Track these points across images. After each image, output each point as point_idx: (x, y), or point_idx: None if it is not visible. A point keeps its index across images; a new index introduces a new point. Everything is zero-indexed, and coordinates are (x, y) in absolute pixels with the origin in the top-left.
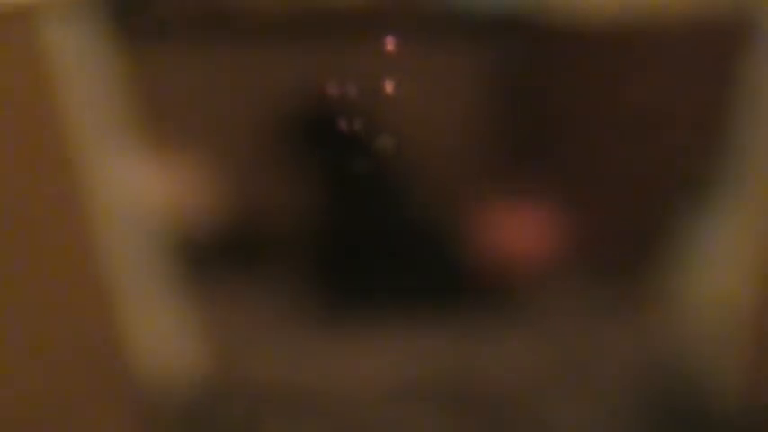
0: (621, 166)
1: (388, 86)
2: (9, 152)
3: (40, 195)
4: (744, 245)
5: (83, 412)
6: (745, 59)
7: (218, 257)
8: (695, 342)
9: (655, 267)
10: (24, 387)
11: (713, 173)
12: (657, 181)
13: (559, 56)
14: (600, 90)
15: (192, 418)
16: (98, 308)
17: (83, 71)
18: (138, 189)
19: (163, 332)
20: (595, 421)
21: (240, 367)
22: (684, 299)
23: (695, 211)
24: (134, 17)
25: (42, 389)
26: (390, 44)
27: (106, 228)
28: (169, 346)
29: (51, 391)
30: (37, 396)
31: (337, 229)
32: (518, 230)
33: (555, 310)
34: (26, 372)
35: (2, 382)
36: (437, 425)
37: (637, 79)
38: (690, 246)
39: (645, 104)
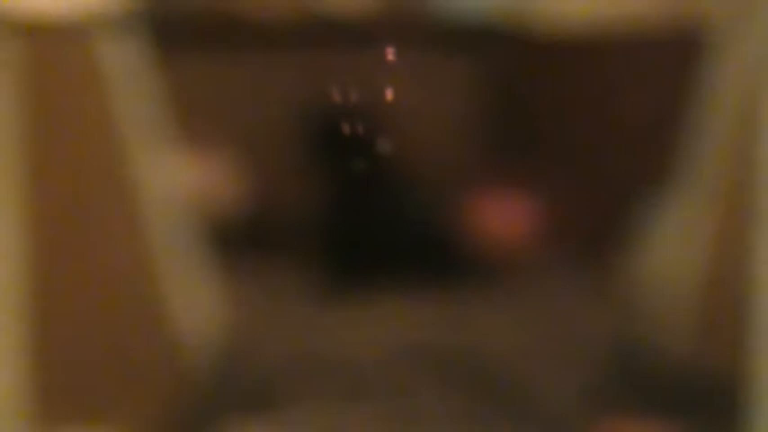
0: (591, 164)
1: (386, 91)
2: (74, 151)
3: (99, 188)
4: (694, 231)
5: (136, 360)
6: (696, 71)
7: (241, 240)
8: (653, 313)
9: (619, 250)
10: (95, 342)
11: (670, 169)
12: (622, 176)
13: (536, 64)
14: (572, 96)
15: (217, 369)
16: (147, 278)
17: (129, 80)
18: (176, 182)
19: (196, 300)
20: (567, 379)
21: (258, 331)
22: (644, 276)
23: (654, 201)
24: (167, 31)
25: (106, 342)
26: (389, 53)
27: (153, 214)
28: (201, 311)
29: (113, 343)
30: (103, 347)
31: (342, 215)
32: (501, 218)
33: (532, 285)
34: (95, 329)
35: (79, 337)
36: (429, 384)
37: (604, 86)
38: (649, 231)
39: (611, 109)
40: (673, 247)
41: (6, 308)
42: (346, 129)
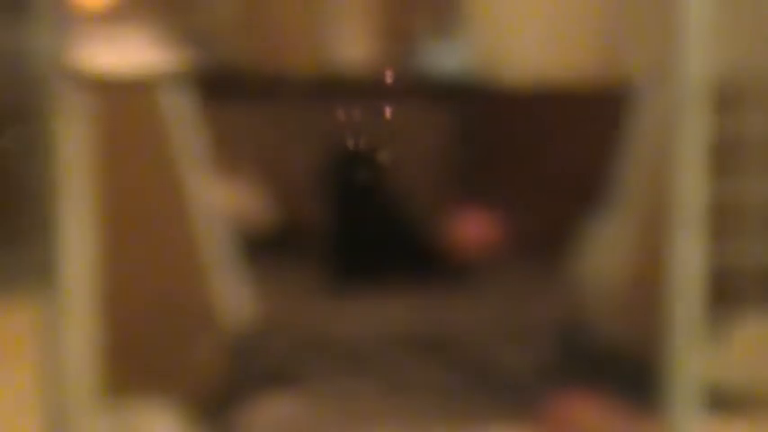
0: (542, 186)
1: (382, 132)
2: (140, 178)
3: (160, 207)
4: (622, 239)
5: (183, 339)
6: (623, 117)
7: (267, 246)
8: (590, 304)
9: (565, 253)
10: (149, 323)
11: (604, 193)
12: (567, 196)
13: (498, 112)
14: (525, 136)
15: (247, 347)
16: (194, 273)
17: (182, 124)
18: (217, 202)
19: (232, 293)
20: (524, 358)
21: (280, 316)
22: (584, 274)
23: (593, 217)
24: (210, 84)
25: (162, 324)
26: (384, 104)
27: (200, 226)
28: (235, 302)
29: (163, 323)
30: (156, 327)
31: (346, 228)
32: (471, 229)
33: (495, 281)
34: (154, 315)
35: (142, 321)
36: (415, 360)
37: (550, 129)
38: (588, 240)
39: (557, 147)
40: (606, 251)
41: (83, 301)
42: (350, 161)
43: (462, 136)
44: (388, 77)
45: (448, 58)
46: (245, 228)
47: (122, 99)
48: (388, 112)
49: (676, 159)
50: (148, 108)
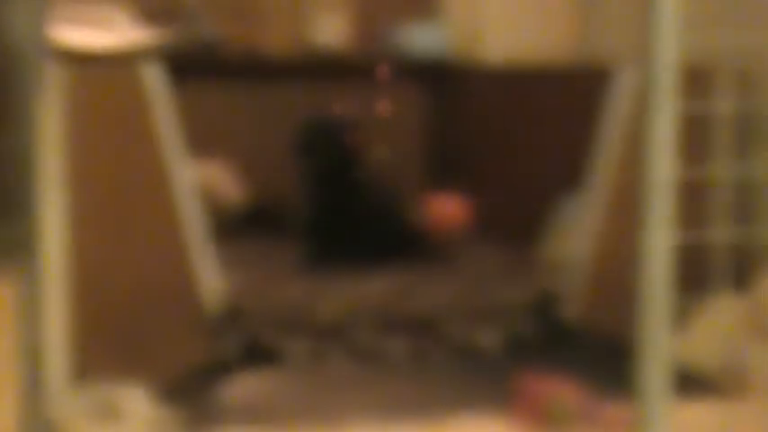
0: (517, 167)
1: (359, 114)
2: (122, 157)
3: (142, 184)
4: (593, 219)
5: (161, 317)
6: (601, 101)
7: (243, 223)
8: (560, 283)
9: (539, 232)
10: (127, 301)
11: (577, 177)
12: (541, 180)
13: (472, 93)
14: (503, 116)
15: (223, 325)
16: (173, 250)
17: (161, 100)
18: (194, 179)
19: (208, 270)
20: (497, 337)
21: (256, 294)
22: (554, 255)
23: (566, 196)
24: (187, 62)
25: (138, 301)
26: (362, 88)
27: (180, 204)
28: (212, 279)
29: (142, 301)
30: (135, 305)
31: (325, 206)
32: (446, 207)
33: (470, 262)
34: (128, 288)
35: (112, 295)
36: (389, 336)
37: (525, 111)
38: (559, 222)
39: (533, 128)
40: (577, 232)
41: (61, 277)
42: (327, 141)
43: (439, 116)
44: (367, 58)
45: (426, 38)
46: (222, 206)
47: (102, 75)
48: (366, 92)
49: (648, 141)
50: (128, 84)
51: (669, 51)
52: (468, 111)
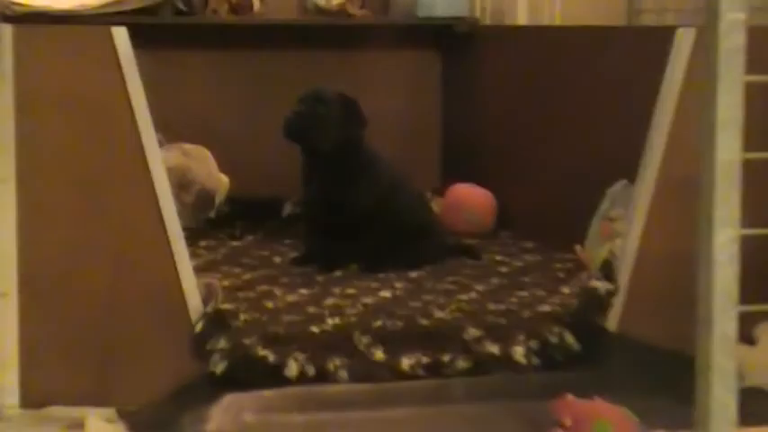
0: (551, 152)
1: (365, 82)
2: (90, 138)
3: (113, 174)
4: (634, 215)
5: (142, 329)
6: (655, 65)
7: (232, 219)
8: (595, 291)
9: (574, 229)
10: (113, 299)
11: (625, 162)
12: (579, 165)
13: (503, 59)
14: (536, 87)
15: (213, 335)
16: (154, 252)
17: (134, 71)
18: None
19: (195, 275)
20: (527, 347)
21: (249, 302)
22: (595, 255)
23: (608, 188)
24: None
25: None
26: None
27: (161, 194)
28: (199, 285)
29: (119, 313)
30: (108, 320)
31: (326, 198)
32: (470, 202)
33: (496, 262)
34: (101, 301)
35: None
36: (403, 350)
37: (566, 81)
38: (598, 214)
39: (572, 102)
40: (620, 229)
41: (10, 285)
42: (329, 118)
43: (461, 86)
44: (378, 19)
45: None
46: (205, 198)
47: (62, 39)
48: (376, 59)
49: (710, 115)
50: (96, 51)
51: (735, 8)
52: (495, 81)
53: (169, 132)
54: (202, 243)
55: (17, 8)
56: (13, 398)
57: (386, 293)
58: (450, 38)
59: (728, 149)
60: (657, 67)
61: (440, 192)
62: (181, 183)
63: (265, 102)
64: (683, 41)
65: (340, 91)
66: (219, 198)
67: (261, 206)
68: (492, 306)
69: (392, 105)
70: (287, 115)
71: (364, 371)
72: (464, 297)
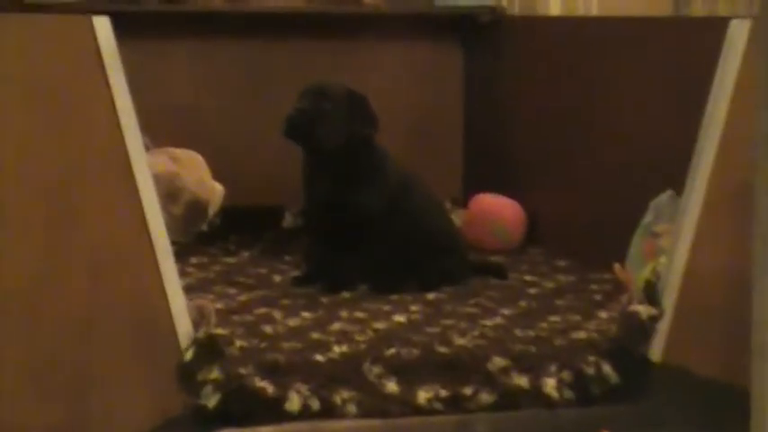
0: (586, 158)
1: (374, 76)
2: (69, 138)
3: (94, 177)
4: (681, 231)
5: (124, 357)
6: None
7: (225, 232)
8: (637, 316)
9: (612, 246)
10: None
11: (672, 170)
12: (619, 175)
13: (531, 52)
14: (569, 84)
15: (204, 363)
16: (139, 269)
17: (117, 64)
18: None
19: (184, 296)
20: (560, 379)
21: (244, 327)
22: (637, 275)
23: (651, 200)
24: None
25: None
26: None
27: (147, 202)
28: (189, 307)
29: (97, 338)
30: (86, 346)
31: (330, 207)
32: (495, 216)
33: (524, 283)
34: (78, 324)
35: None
36: (418, 381)
37: (603, 77)
38: (640, 229)
39: (611, 100)
40: (665, 246)
41: None
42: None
43: (485, 81)
44: (395, 8)
45: None
46: (196, 208)
47: (47, 30)
48: (393, 50)
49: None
50: (76, 42)
51: None
52: (524, 78)
53: (156, 135)
54: (193, 260)
55: None
56: None
57: (400, 318)
58: (472, 28)
59: None
60: (708, 64)
61: (462, 203)
62: (169, 192)
63: (264, 100)
64: (737, 34)
65: (346, 85)
66: (213, 209)
67: (258, 217)
68: (520, 332)
69: (406, 104)
70: (288, 113)
71: (375, 405)
72: (488, 322)
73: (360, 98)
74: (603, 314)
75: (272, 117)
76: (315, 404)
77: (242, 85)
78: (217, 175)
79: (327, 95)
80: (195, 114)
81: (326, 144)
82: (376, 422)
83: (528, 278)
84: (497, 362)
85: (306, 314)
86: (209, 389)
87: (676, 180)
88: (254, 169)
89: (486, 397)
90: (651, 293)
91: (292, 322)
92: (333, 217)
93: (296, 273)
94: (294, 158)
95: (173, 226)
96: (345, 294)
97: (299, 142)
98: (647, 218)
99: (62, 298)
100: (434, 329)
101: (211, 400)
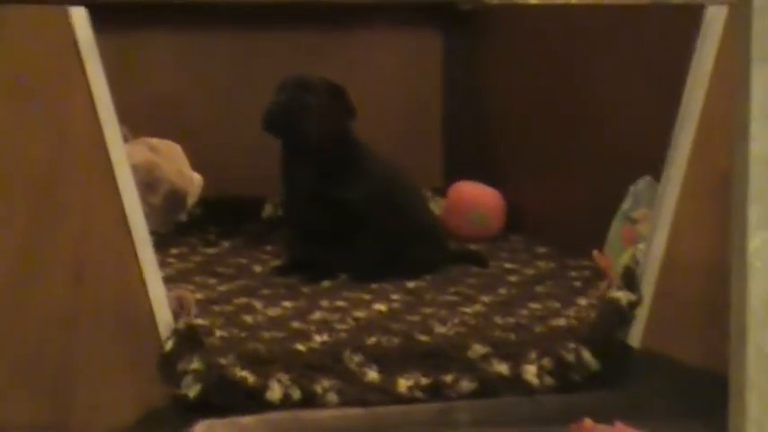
0: (568, 143)
1: (359, 66)
2: (46, 130)
3: (72, 169)
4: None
5: (104, 349)
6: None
7: (204, 223)
8: (616, 302)
9: (592, 232)
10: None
11: (652, 155)
12: (600, 159)
13: (515, 38)
14: (552, 68)
15: (185, 354)
16: (119, 259)
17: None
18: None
19: (164, 287)
20: (540, 366)
21: (225, 317)
22: (616, 261)
23: (632, 185)
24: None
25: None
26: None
27: (126, 193)
28: (170, 298)
29: (78, 330)
30: (65, 338)
31: (311, 199)
32: (476, 202)
33: (504, 270)
34: (57, 316)
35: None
36: (399, 369)
37: (586, 61)
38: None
39: (591, 85)
40: (645, 231)
41: None
42: (312, 109)
43: (467, 68)
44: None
45: None
46: (175, 200)
47: (21, 22)
48: (370, 39)
49: (744, 99)
50: (52, 32)
51: None
52: (505, 65)
53: (136, 126)
54: (173, 250)
55: None
56: None
57: (380, 306)
58: (453, 16)
59: (764, 141)
60: (685, 50)
61: (441, 191)
62: (148, 182)
63: (242, 90)
64: (713, 21)
65: (324, 77)
66: (191, 199)
67: (238, 208)
68: (500, 320)
69: (385, 92)
70: (267, 106)
71: (356, 394)
72: (468, 310)
73: (339, 89)
74: (583, 301)
75: (253, 107)
76: (296, 393)
77: (222, 75)
78: (196, 166)
79: (306, 87)
80: (175, 105)
81: (308, 137)
82: (357, 411)
83: (508, 266)
84: (477, 349)
85: (286, 303)
86: (189, 379)
87: (655, 166)
88: (234, 160)
89: (466, 384)
90: (630, 279)
91: (273, 312)
92: (314, 209)
93: (276, 262)
94: (273, 150)
95: (152, 216)
96: (326, 283)
97: (279, 136)
98: (626, 204)
99: (44, 292)
100: (415, 318)
101: (192, 390)
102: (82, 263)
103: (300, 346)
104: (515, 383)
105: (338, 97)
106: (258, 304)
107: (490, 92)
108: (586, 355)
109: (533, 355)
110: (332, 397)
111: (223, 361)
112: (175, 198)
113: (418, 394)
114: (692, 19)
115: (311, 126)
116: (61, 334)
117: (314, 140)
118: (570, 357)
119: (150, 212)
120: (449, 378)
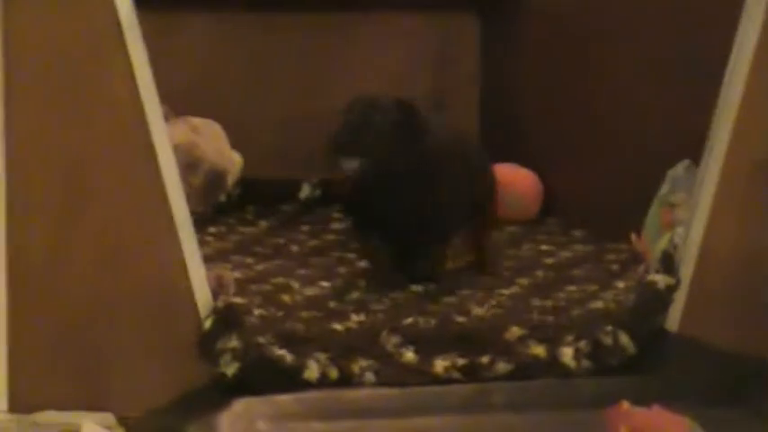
0: (604, 128)
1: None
2: (84, 114)
3: (112, 153)
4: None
5: (143, 329)
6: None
7: (243, 203)
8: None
9: (629, 217)
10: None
11: (692, 140)
12: (636, 145)
13: (551, 25)
14: (589, 55)
15: (223, 334)
16: (159, 242)
17: (137, 33)
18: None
19: (203, 267)
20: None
21: (264, 297)
22: (653, 246)
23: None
24: None
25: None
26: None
27: (167, 174)
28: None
29: (116, 311)
30: (104, 318)
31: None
32: (513, 187)
33: (539, 253)
34: (95, 297)
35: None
36: (435, 352)
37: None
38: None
39: (630, 70)
40: (683, 216)
41: None
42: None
43: (503, 57)
44: None
45: None
46: (215, 180)
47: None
48: (403, 26)
49: None
50: (97, 13)
51: None
52: (544, 47)
53: (174, 106)
54: (211, 229)
55: None
56: (1, 403)
57: (417, 288)
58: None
59: None
60: (726, 34)
61: None
62: (188, 162)
63: (284, 71)
64: (755, 6)
65: (392, 95)
66: (231, 179)
67: (276, 188)
68: (537, 302)
69: (421, 75)
70: (336, 129)
71: (393, 374)
72: (505, 292)
73: (410, 107)
74: (621, 284)
75: (290, 89)
76: (333, 373)
77: (260, 56)
78: (235, 146)
79: (376, 107)
80: (214, 84)
81: (387, 160)
82: (394, 391)
83: (544, 248)
84: (515, 331)
85: (323, 283)
86: (227, 357)
87: (694, 150)
88: (273, 141)
89: (503, 366)
90: (668, 263)
91: (310, 291)
92: (413, 237)
93: (314, 243)
94: (311, 132)
95: (192, 196)
96: (363, 264)
97: (350, 160)
98: (664, 188)
99: (84, 271)
100: (451, 299)
101: (230, 369)
102: (120, 242)
103: (338, 326)
104: (552, 366)
105: (411, 114)
106: (295, 284)
107: (528, 75)
108: (624, 338)
109: (570, 337)
110: (369, 377)
111: (261, 340)
112: (216, 178)
113: (455, 375)
114: (733, 3)
115: (388, 148)
116: (100, 313)
117: (395, 163)
118: (607, 341)
119: (190, 192)
120: (485, 359)
